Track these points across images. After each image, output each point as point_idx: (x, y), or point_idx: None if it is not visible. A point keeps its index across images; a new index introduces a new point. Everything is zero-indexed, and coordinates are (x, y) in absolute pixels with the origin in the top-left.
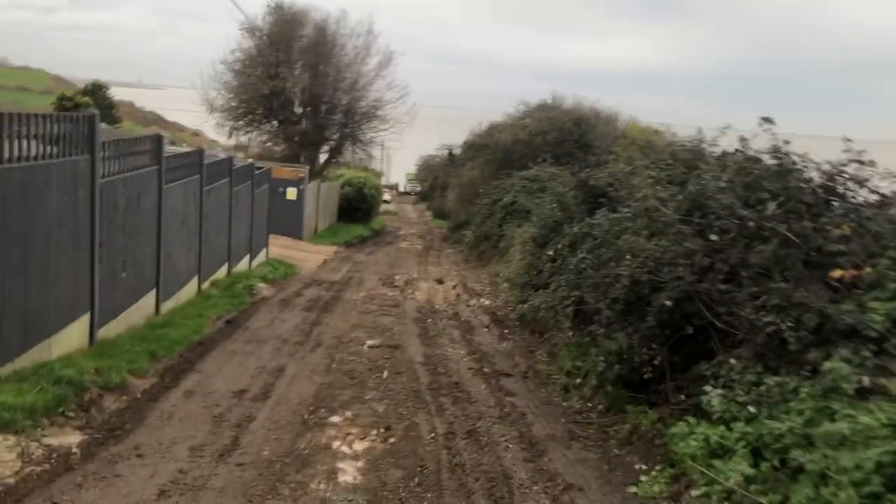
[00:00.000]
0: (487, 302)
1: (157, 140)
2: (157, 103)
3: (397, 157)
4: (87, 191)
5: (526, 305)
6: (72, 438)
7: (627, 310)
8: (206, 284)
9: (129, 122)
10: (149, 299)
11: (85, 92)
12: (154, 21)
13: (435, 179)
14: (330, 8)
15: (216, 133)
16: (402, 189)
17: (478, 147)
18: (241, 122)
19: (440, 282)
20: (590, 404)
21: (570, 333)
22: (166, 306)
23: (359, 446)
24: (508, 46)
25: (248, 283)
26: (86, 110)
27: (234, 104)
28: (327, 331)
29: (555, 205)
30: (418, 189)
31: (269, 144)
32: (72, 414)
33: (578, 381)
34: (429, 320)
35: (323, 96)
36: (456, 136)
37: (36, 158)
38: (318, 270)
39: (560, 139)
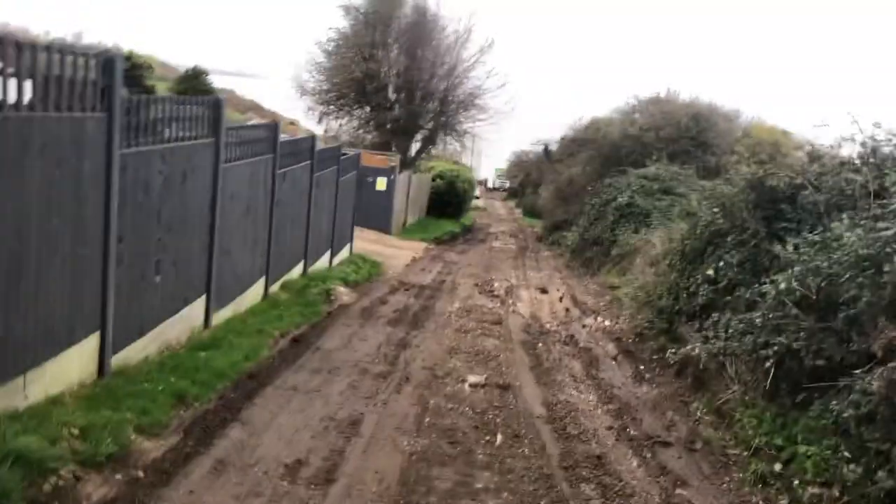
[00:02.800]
0: (607, 322)
1: (215, 105)
2: (259, 91)
3: (487, 151)
4: (100, 164)
5: (697, 351)
6: None
7: None
8: (274, 287)
9: (227, 109)
10: (195, 309)
11: (185, 78)
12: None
13: (526, 176)
14: None
15: (309, 121)
16: (490, 185)
17: (580, 142)
18: (331, 107)
19: (543, 291)
20: None
21: (753, 393)
22: (221, 316)
23: None
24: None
25: (325, 286)
26: (102, 51)
27: (325, 87)
28: (417, 356)
29: (716, 209)
30: (507, 185)
31: (359, 132)
32: None
33: (778, 467)
34: (539, 344)
35: (419, 82)
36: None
37: (1, 108)
38: (407, 270)
39: (675, 136)
